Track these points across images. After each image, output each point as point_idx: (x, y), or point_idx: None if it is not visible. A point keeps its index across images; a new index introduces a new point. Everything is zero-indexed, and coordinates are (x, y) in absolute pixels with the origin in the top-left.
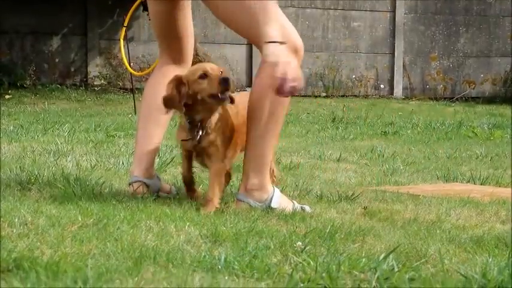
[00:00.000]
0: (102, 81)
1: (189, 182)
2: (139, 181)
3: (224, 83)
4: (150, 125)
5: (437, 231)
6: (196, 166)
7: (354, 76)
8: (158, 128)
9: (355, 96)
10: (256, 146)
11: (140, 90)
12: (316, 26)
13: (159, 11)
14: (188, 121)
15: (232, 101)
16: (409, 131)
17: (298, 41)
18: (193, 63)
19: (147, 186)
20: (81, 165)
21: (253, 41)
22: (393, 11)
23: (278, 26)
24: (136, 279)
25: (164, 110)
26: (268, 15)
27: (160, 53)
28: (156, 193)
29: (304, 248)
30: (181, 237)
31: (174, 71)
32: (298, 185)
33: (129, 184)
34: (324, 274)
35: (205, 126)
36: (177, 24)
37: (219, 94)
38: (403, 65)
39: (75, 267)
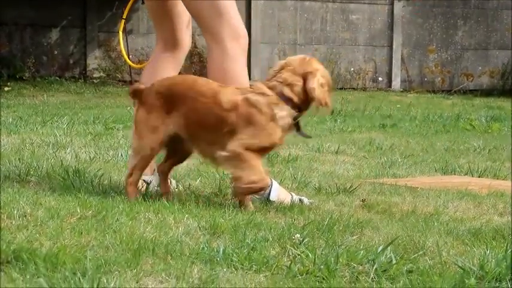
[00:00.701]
0: (101, 74)
1: None
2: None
3: None
4: None
5: (435, 224)
6: None
7: (352, 69)
8: None
9: (354, 88)
10: None
11: None
12: (314, 19)
13: None
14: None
15: None
16: (407, 124)
17: (241, 30)
18: (192, 55)
19: (147, 183)
20: (80, 158)
21: (208, 32)
22: (391, 3)
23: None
24: (135, 270)
25: None
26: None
27: (156, 39)
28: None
29: (303, 240)
30: (180, 229)
31: (168, 58)
32: (296, 177)
33: None
34: (322, 266)
35: None
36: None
37: None
38: (401, 58)
39: (74, 259)
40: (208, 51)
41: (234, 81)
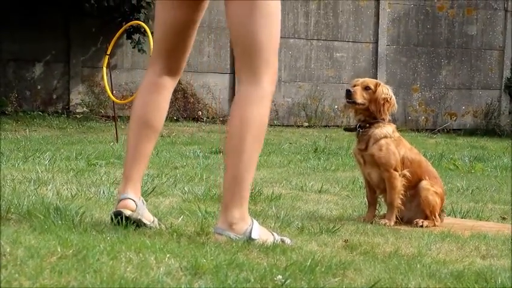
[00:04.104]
0: (84, 109)
1: None
2: (131, 199)
3: None
4: (141, 142)
5: (418, 266)
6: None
7: (336, 106)
8: (148, 144)
9: (338, 126)
10: (240, 179)
11: (122, 118)
12: (299, 56)
13: (177, 16)
14: None
15: None
16: None
17: (276, 78)
18: (176, 91)
19: (136, 205)
20: (61, 194)
21: (249, 68)
22: (376, 42)
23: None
24: None
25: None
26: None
27: (154, 62)
28: (138, 219)
29: (285, 281)
30: (161, 269)
31: (164, 84)
32: (279, 216)
33: (120, 201)
34: None
35: None
36: (189, 33)
37: None
38: None
39: None
40: (241, 88)
41: (259, 123)
